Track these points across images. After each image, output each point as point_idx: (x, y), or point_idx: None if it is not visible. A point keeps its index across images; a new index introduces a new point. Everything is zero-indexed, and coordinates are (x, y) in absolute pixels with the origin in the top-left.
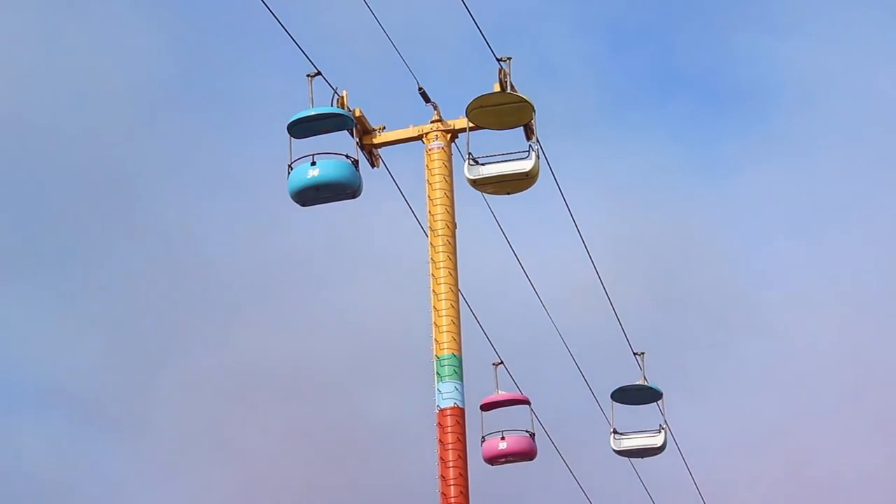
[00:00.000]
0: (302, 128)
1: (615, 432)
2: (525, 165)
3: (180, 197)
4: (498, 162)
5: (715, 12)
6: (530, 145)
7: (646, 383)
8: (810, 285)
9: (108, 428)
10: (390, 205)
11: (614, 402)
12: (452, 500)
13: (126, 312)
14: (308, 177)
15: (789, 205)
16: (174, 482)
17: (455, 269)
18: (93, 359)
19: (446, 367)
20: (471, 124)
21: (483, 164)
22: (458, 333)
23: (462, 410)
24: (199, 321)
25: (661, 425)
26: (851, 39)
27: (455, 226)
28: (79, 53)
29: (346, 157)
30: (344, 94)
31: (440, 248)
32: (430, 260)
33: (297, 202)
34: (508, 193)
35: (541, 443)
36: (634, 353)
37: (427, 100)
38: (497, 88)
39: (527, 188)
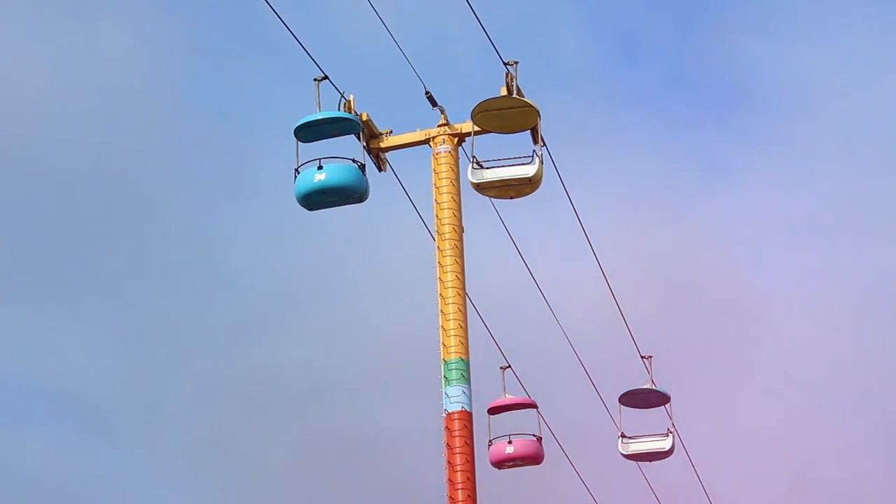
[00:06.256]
0: (309, 132)
1: (623, 436)
2: (528, 170)
3: (191, 203)
4: (501, 166)
5: (721, 18)
6: (534, 150)
7: (653, 387)
8: (815, 291)
9: (116, 435)
10: (398, 208)
11: (622, 406)
12: (460, 503)
13: (136, 320)
14: (314, 181)
15: (794, 210)
16: (183, 490)
17: (462, 272)
18: (102, 366)
19: (454, 370)
20: (476, 128)
21: (487, 168)
22: (466, 337)
23: (469, 414)
24: (209, 329)
25: (668, 429)
26: (852, 45)
27: (462, 229)
28: (90, 62)
29: (353, 161)
30: (351, 98)
31: (447, 252)
32: (437, 264)
33: (303, 206)
34: (511, 198)
35: (548, 447)
36: (642, 357)
37: (434, 104)
38: (504, 92)
39: (530, 193)
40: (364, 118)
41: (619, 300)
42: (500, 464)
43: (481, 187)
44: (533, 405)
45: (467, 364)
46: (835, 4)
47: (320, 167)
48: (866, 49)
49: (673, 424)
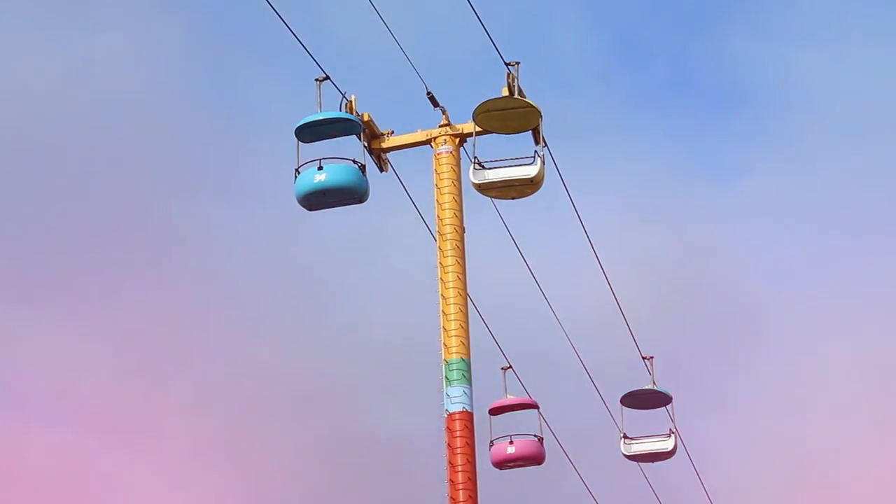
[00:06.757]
0: (310, 132)
1: (625, 437)
2: (530, 171)
3: (192, 204)
4: (503, 167)
5: (723, 19)
6: (536, 151)
7: (655, 387)
8: (817, 292)
9: (117, 436)
10: (399, 209)
11: (623, 407)
12: (461, 503)
13: (137, 321)
14: (315, 181)
15: (796, 211)
16: (184, 491)
17: (464, 273)
18: (104, 366)
19: (455, 371)
20: (478, 128)
21: (488, 169)
22: (467, 337)
23: (471, 415)
24: (210, 330)
25: (671, 429)
26: (855, 46)
27: (464, 230)
28: (90, 63)
29: (353, 161)
30: (352, 98)
31: (449, 253)
32: (438, 264)
33: (303, 206)
34: (513, 198)
35: (549, 447)
36: (643, 357)
37: (435, 104)
38: (505, 93)
39: (531, 193)
40: (365, 119)
41: (620, 301)
42: (502, 464)
43: (483, 188)
44: (534, 406)
45: (468, 364)
46: (837, 5)
47: (320, 167)
48: (869, 50)
49: (675, 425)
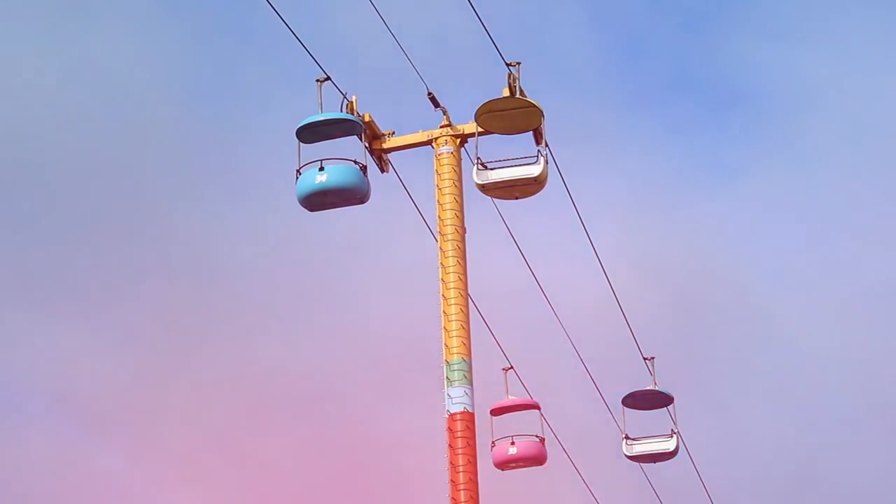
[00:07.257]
0: (311, 133)
1: (627, 437)
2: (533, 171)
3: (192, 205)
4: (506, 167)
5: (724, 19)
6: (539, 150)
7: (656, 388)
8: (818, 292)
9: (119, 438)
10: (400, 210)
11: (625, 408)
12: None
13: (138, 321)
14: (315, 182)
15: (797, 211)
16: (185, 494)
17: (465, 273)
18: (104, 367)
19: (456, 371)
20: (480, 129)
21: (491, 169)
22: (468, 338)
23: (472, 415)
24: (211, 332)
25: (672, 430)
26: (855, 46)
27: (465, 230)
28: (92, 64)
29: (355, 162)
30: (353, 99)
31: (450, 253)
32: (439, 264)
33: (304, 207)
34: (517, 198)
35: (551, 448)
36: (644, 358)
37: (436, 104)
38: (506, 93)
39: (535, 193)
40: (366, 119)
41: (621, 301)
42: (503, 465)
43: (487, 188)
44: (535, 406)
45: (469, 365)
46: (837, 5)
47: (321, 168)
48: (869, 50)
49: (676, 425)
